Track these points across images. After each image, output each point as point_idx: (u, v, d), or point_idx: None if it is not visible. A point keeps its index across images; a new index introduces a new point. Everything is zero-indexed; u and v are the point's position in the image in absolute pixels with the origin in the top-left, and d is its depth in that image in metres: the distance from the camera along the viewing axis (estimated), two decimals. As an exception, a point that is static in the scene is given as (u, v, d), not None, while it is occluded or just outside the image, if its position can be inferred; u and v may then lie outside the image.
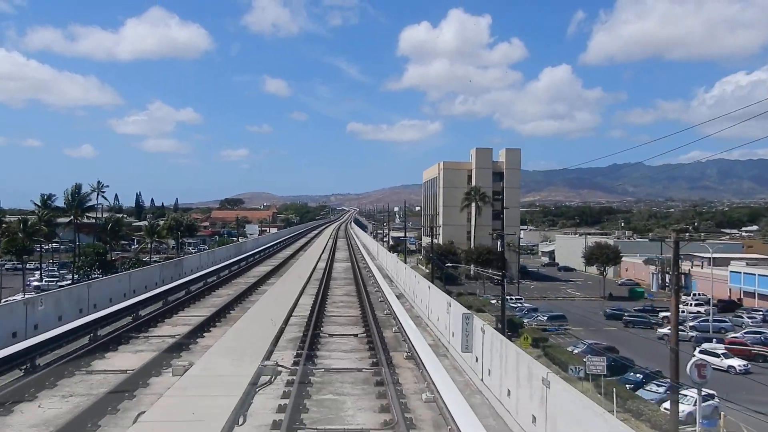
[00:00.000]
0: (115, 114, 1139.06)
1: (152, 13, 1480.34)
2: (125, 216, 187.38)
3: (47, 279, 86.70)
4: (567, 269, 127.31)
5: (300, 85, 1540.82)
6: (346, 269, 40.22)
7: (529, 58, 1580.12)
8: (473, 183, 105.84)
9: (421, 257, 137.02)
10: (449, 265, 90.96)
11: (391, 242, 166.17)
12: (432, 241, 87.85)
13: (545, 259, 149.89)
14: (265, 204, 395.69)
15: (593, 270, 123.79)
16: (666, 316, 71.01)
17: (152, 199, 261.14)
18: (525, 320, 64.58)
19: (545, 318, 65.54)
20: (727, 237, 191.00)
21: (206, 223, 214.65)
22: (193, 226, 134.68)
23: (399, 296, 27.73)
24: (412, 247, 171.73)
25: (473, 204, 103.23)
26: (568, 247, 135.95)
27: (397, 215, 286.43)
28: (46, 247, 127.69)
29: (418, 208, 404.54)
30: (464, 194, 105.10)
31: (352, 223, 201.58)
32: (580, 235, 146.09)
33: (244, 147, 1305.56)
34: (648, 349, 55.56)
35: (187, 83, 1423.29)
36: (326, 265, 39.17)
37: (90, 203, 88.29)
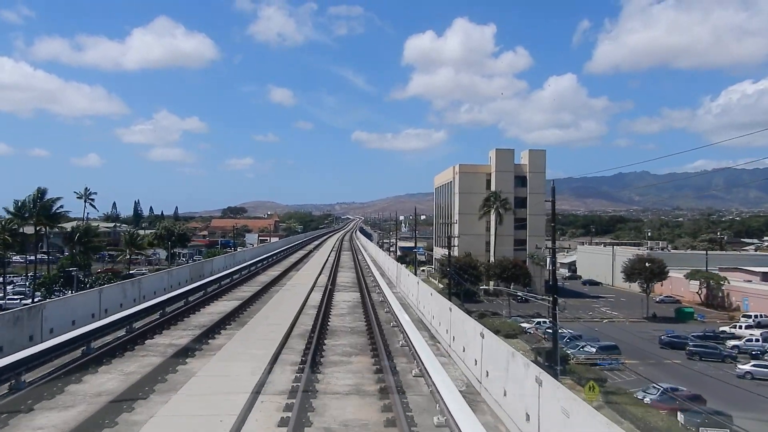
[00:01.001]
0: (122, 123, 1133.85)
1: (158, 23, 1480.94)
2: (117, 224, 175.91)
3: (11, 296, 74.86)
4: (592, 283, 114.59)
5: (305, 94, 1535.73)
6: (354, 307, 25.93)
7: (535, 67, 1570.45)
8: (493, 188, 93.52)
9: (432, 269, 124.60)
10: (466, 279, 78.58)
11: (398, 252, 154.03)
12: (449, 253, 75.39)
13: (564, 271, 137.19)
14: (269, 213, 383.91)
15: (621, 284, 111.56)
16: (737, 346, 58.44)
17: (151, 208, 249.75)
18: (569, 351, 52.18)
19: (594, 348, 52.93)
20: (754, 248, 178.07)
21: (205, 233, 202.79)
22: (184, 236, 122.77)
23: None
24: (421, 258, 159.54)
25: (493, 211, 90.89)
26: (591, 259, 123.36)
27: (402, 224, 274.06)
28: (32, 257, 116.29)
29: (424, 217, 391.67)
30: (483, 200, 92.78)
31: (358, 232, 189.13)
32: (605, 245, 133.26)
33: (250, 156, 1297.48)
34: (734, 394, 43.11)
35: (192, 92, 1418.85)
36: (323, 297, 26.50)
37: (60, 210, 76.29)
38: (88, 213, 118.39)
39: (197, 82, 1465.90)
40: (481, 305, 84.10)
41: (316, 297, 27.17)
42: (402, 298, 28.41)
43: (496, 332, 17.61)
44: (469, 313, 23.49)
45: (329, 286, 30.48)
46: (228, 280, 31.60)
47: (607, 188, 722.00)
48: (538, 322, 65.99)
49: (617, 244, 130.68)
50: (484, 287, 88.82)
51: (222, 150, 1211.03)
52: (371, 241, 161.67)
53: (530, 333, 59.90)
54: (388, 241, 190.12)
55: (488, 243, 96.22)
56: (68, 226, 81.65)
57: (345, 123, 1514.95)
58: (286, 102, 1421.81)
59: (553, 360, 39.22)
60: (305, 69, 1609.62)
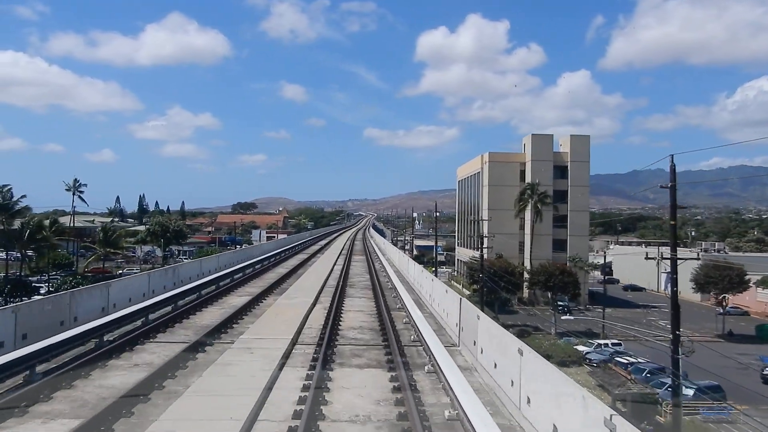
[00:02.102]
0: (135, 119, 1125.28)
1: (171, 19, 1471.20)
2: (116, 219, 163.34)
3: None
4: (634, 288, 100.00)
5: (317, 91, 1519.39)
6: (371, 333, 16.19)
7: (548, 64, 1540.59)
8: (528, 179, 79.22)
9: (453, 271, 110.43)
10: (502, 287, 64.51)
11: (415, 251, 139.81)
12: (481, 255, 61.38)
13: (597, 274, 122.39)
14: (280, 209, 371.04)
15: (667, 290, 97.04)
16: None
17: (156, 203, 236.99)
18: (656, 391, 38.09)
19: (691, 390, 38.62)
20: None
21: (210, 229, 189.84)
22: (180, 232, 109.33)
23: None
24: (440, 258, 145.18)
25: (530, 206, 76.63)
26: (629, 260, 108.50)
27: (417, 221, 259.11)
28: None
29: (438, 214, 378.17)
30: (518, 194, 78.53)
31: (371, 229, 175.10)
32: (646, 246, 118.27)
33: (262, 152, 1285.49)
34: None
35: (205, 89, 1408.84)
36: (324, 327, 13.85)
37: (18, 205, 62.81)
38: (76, 206, 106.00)
39: (210, 78, 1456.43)
40: (517, 317, 70.08)
41: (316, 325, 16.44)
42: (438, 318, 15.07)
43: (547, 357, 12.64)
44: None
45: (337, 299, 17.96)
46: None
47: (622, 186, 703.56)
48: (599, 345, 51.80)
49: (658, 245, 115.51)
50: (520, 296, 74.65)
51: (234, 146, 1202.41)
52: (384, 237, 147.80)
53: (599, 364, 45.60)
54: (402, 239, 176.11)
55: (522, 243, 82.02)
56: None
57: (357, 120, 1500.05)
58: (298, 98, 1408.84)
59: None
60: (317, 65, 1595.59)
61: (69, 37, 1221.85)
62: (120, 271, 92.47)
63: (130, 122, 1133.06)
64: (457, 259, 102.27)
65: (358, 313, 20.30)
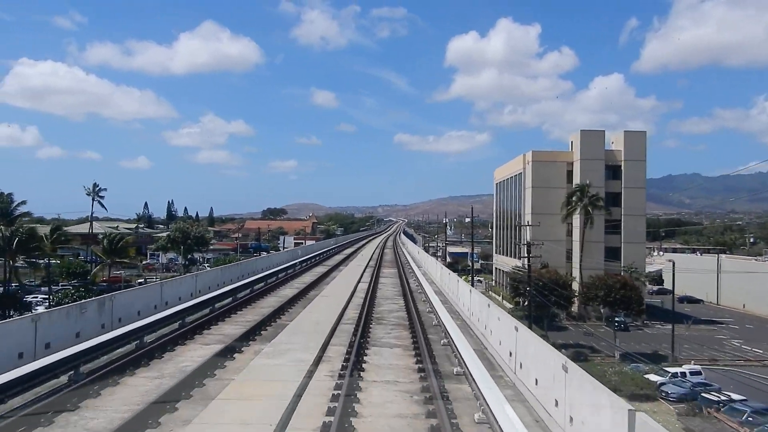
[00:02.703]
0: (170, 126, 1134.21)
1: (204, 27, 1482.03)
2: (142, 225, 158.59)
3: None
4: (691, 300, 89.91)
5: (348, 96, 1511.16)
6: None
7: (580, 68, 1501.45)
8: (577, 180, 70.57)
9: (490, 280, 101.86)
10: (552, 301, 56.01)
11: (448, 258, 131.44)
12: (528, 266, 53.14)
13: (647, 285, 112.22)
14: (309, 215, 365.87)
15: (729, 302, 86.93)
16: None
17: (185, 208, 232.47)
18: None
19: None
20: None
21: (238, 234, 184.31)
22: (202, 239, 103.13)
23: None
24: (475, 265, 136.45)
25: (579, 210, 68.00)
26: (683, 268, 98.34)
27: (448, 227, 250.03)
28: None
29: (468, 220, 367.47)
30: (566, 197, 69.98)
31: (402, 235, 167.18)
32: (701, 254, 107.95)
33: (293, 158, 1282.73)
34: None
35: (238, 96, 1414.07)
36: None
37: (18, 211, 56.93)
38: (94, 212, 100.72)
39: (242, 85, 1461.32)
40: (567, 335, 61.47)
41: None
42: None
43: (614, 390, 9.50)
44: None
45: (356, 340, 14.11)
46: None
47: (656, 190, 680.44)
48: (675, 375, 42.91)
49: (717, 252, 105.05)
50: (569, 310, 65.91)
51: (266, 152, 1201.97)
52: (415, 243, 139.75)
53: (681, 399, 36.88)
54: (434, 245, 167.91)
55: (569, 251, 73.20)
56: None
57: (387, 125, 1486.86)
58: (328, 104, 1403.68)
59: None
60: (348, 71, 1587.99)
61: (106, 46, 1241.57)
62: (139, 280, 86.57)
63: (165, 129, 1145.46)
64: (495, 268, 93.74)
65: (388, 389, 12.23)
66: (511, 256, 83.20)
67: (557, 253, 70.74)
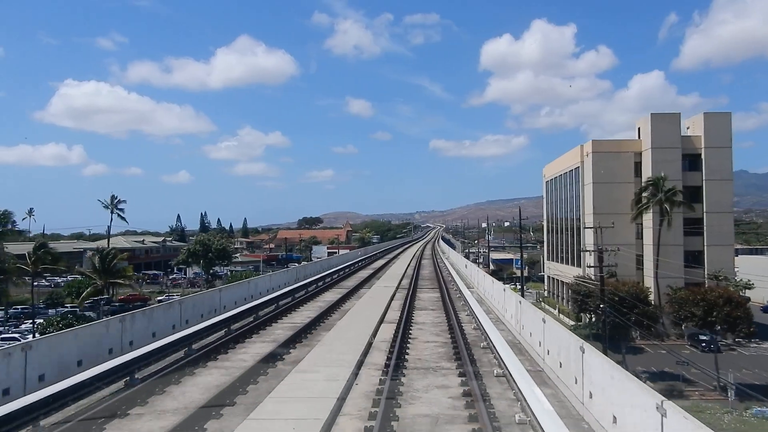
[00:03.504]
0: (209, 141, 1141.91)
1: (240, 42, 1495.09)
2: (169, 239, 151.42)
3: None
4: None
5: (383, 105, 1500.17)
6: None
7: (618, 66, 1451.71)
8: (648, 172, 58.78)
9: (541, 289, 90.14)
10: (631, 319, 44.46)
11: (491, 266, 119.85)
12: (601, 278, 41.90)
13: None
14: (346, 222, 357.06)
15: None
16: None
17: (218, 220, 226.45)
18: None
19: None
20: None
21: (271, 246, 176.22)
22: (224, 251, 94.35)
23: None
24: (519, 272, 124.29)
25: (652, 206, 56.32)
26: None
27: (487, 232, 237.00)
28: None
29: (507, 224, 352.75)
30: (636, 192, 58.40)
31: (440, 242, 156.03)
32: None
33: (330, 167, 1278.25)
34: None
35: (274, 108, 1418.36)
36: None
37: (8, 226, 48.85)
38: (110, 226, 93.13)
39: (278, 97, 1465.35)
40: (647, 359, 49.79)
41: None
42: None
43: None
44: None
45: None
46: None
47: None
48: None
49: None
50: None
51: (303, 163, 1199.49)
52: (454, 249, 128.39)
53: None
54: (475, 251, 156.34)
55: (640, 257, 61.25)
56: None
57: (422, 132, 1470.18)
58: (364, 113, 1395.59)
59: None
60: (382, 80, 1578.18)
61: (145, 64, 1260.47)
62: (159, 298, 78.13)
63: (204, 143, 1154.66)
64: (547, 276, 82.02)
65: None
66: (566, 263, 71.60)
67: (626, 260, 58.98)
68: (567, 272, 69.17)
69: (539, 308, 27.91)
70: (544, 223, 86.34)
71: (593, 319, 55.22)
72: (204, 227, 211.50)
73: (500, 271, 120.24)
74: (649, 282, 57.26)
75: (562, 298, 73.15)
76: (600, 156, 61.94)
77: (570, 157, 69.35)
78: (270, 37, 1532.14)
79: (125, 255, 62.35)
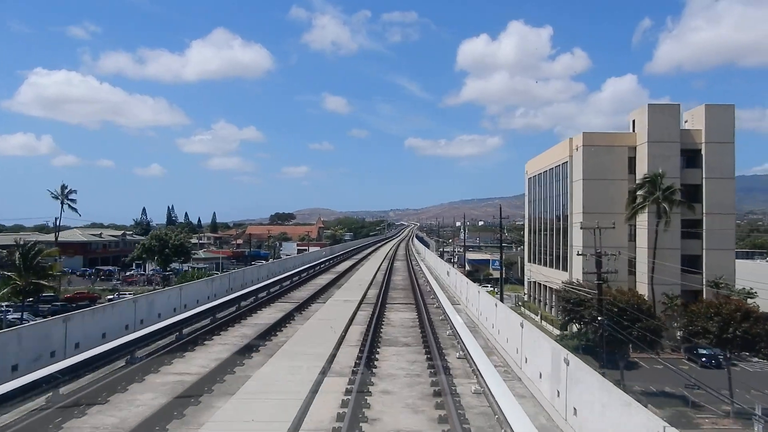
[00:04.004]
0: (182, 134, 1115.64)
1: (216, 34, 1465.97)
2: (130, 233, 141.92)
3: None
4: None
5: (360, 102, 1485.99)
6: None
7: (592, 69, 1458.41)
8: (643, 168, 53.00)
9: (520, 292, 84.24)
10: (630, 332, 38.44)
11: (467, 266, 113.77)
12: (599, 286, 36.00)
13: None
14: (323, 219, 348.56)
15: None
16: None
17: (186, 214, 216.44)
18: None
19: None
20: None
21: (238, 241, 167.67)
22: (182, 247, 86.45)
23: None
24: (497, 274, 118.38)
25: (648, 205, 50.55)
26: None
27: (463, 231, 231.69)
28: None
29: (481, 223, 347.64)
30: (632, 190, 52.59)
31: (415, 240, 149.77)
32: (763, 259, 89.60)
33: (305, 164, 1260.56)
34: None
35: (250, 102, 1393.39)
36: None
37: None
38: (57, 218, 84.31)
39: (254, 92, 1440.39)
40: (642, 375, 43.98)
41: None
42: None
43: None
44: None
45: None
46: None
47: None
48: None
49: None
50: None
51: (278, 158, 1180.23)
52: (429, 248, 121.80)
53: None
54: (449, 250, 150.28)
55: (631, 261, 55.42)
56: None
57: (399, 130, 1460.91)
58: (340, 110, 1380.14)
59: None
60: (359, 77, 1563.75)
61: (119, 55, 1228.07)
62: (110, 296, 70.07)
63: (178, 137, 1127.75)
64: (529, 280, 76.05)
65: None
66: (550, 266, 65.66)
67: (617, 265, 53.08)
68: (551, 276, 63.21)
69: (518, 313, 21.09)
70: (525, 223, 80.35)
71: (583, 329, 49.30)
72: (171, 221, 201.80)
73: (476, 272, 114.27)
74: (642, 289, 51.56)
75: (545, 304, 67.24)
76: (591, 150, 55.95)
77: (557, 151, 63.31)
78: (246, 31, 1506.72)
79: (55, 250, 54.20)
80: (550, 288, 63.77)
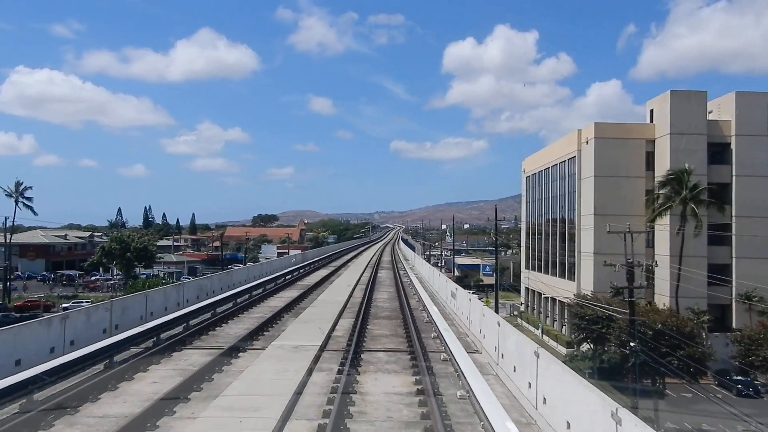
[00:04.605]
0: (167, 134, 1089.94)
1: (201, 34, 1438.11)
2: (96, 234, 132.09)
3: None
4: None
5: (345, 104, 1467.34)
6: None
7: (578, 74, 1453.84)
8: (665, 164, 45.34)
9: (514, 300, 76.51)
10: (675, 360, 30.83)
11: (456, 272, 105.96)
12: (631, 305, 28.20)
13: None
14: (306, 221, 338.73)
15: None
16: None
17: (164, 214, 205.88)
18: None
19: None
20: None
21: (217, 244, 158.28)
22: (145, 251, 77.55)
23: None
24: (489, 280, 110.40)
25: (673, 207, 42.93)
26: None
27: (447, 233, 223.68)
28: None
29: (467, 226, 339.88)
30: (656, 188, 45.02)
31: (401, 243, 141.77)
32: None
33: (291, 165, 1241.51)
34: None
35: (235, 103, 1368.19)
36: None
37: None
38: (9, 219, 74.95)
39: (239, 92, 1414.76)
40: (668, 404, 36.19)
41: None
42: None
43: None
44: None
45: None
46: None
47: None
48: None
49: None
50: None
51: (264, 160, 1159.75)
52: (414, 251, 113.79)
53: None
54: (437, 254, 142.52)
55: (650, 270, 47.71)
56: None
57: (384, 132, 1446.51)
58: (326, 112, 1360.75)
59: None
60: (345, 78, 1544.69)
61: (103, 54, 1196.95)
62: (65, 305, 61.15)
63: (162, 137, 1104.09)
64: (526, 288, 68.21)
65: None
66: (553, 274, 57.92)
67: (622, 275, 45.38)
68: (554, 285, 55.52)
69: (515, 325, 16.33)
70: (522, 226, 72.53)
71: (599, 350, 41.60)
72: (147, 222, 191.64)
73: (466, 278, 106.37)
74: (661, 302, 43.94)
75: (546, 316, 59.47)
76: (604, 143, 48.25)
77: (563, 145, 55.59)
78: (232, 31, 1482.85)
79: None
80: (552, 298, 56.04)
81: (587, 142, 49.48)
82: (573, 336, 42.97)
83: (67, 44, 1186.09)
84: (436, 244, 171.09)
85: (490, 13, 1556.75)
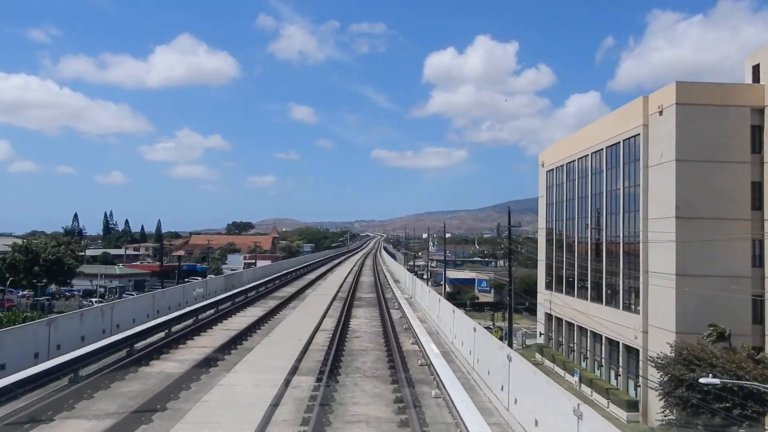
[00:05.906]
0: (146, 141, 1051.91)
1: (181, 41, 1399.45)
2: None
3: None
4: None
5: (327, 112, 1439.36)
6: None
7: (557, 85, 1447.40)
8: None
9: (537, 331, 59.70)
10: None
11: (448, 288, 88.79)
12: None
13: None
14: (285, 230, 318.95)
15: None
16: None
17: (126, 221, 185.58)
18: None
19: None
20: None
21: (180, 252, 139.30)
22: (60, 263, 59.21)
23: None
24: (487, 297, 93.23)
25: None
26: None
27: (431, 243, 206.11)
28: None
29: (449, 235, 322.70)
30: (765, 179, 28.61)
31: (383, 253, 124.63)
32: None
33: (271, 173, 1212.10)
34: None
35: (215, 110, 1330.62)
36: None
37: None
38: None
39: (219, 100, 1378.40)
40: None
41: None
42: None
43: None
44: None
45: None
46: None
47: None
48: None
49: None
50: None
51: (244, 167, 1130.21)
52: (395, 260, 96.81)
53: None
54: (421, 264, 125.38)
55: (759, 298, 31.17)
56: None
57: (365, 141, 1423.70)
58: (307, 120, 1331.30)
59: None
60: (327, 87, 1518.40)
61: (80, 59, 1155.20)
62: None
63: (141, 144, 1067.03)
64: (547, 313, 51.19)
65: None
66: (592, 300, 41.20)
67: (727, 306, 29.01)
68: (595, 315, 39.00)
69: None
70: (541, 233, 55.55)
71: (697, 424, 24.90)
72: (108, 229, 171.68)
73: (458, 294, 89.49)
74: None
75: (583, 355, 42.67)
76: (692, 111, 31.80)
77: (614, 121, 39.10)
78: (212, 38, 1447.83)
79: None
80: (593, 332, 39.39)
81: (661, 113, 32.95)
82: (666, 410, 26.04)
83: (44, 49, 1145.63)
84: (419, 254, 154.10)
85: (471, 24, 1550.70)
